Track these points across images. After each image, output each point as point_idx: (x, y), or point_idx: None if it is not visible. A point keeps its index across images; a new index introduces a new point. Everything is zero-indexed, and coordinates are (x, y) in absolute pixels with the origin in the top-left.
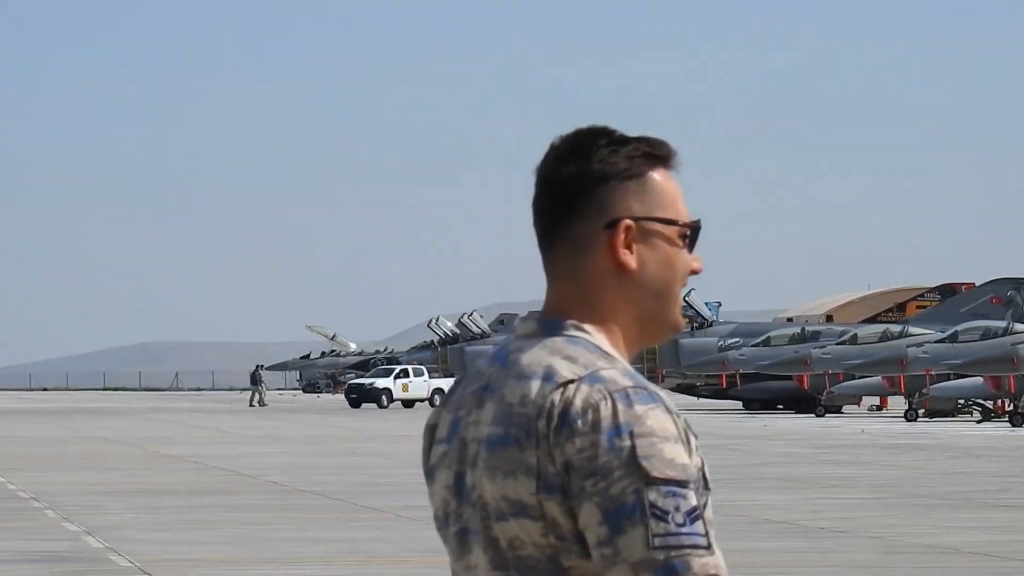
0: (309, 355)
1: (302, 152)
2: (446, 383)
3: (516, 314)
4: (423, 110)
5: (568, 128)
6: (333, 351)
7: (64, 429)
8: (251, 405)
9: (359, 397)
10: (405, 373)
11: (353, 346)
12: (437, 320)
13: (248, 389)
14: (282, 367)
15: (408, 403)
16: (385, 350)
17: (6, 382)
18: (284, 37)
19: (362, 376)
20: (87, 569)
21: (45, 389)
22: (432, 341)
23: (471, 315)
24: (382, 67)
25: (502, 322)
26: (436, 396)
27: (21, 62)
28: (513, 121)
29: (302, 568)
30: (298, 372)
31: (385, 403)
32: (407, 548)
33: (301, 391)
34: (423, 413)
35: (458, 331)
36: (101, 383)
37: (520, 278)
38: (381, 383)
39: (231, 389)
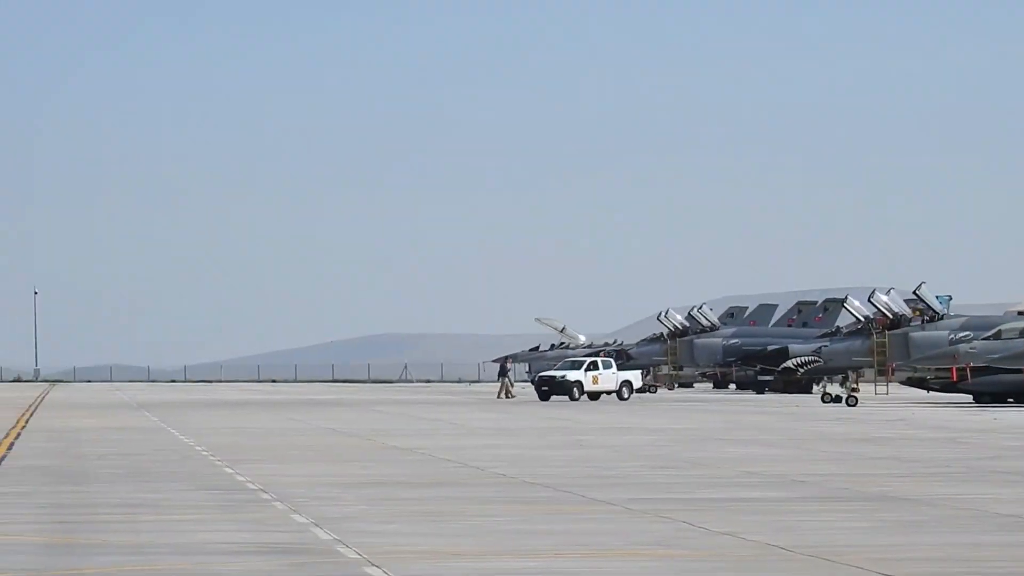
0: (538, 347)
1: (539, 144)
2: (634, 375)
3: (746, 307)
4: (656, 101)
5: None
6: (562, 343)
7: (292, 421)
8: (499, 397)
9: (550, 389)
10: (595, 366)
11: (582, 338)
12: (667, 313)
13: (495, 382)
14: (512, 359)
15: (595, 395)
16: (614, 342)
17: (235, 374)
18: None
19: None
20: (315, 561)
21: (274, 381)
22: (661, 334)
23: (701, 308)
24: (602, 55)
25: (732, 315)
26: (624, 389)
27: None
28: (736, 118)
29: (530, 560)
30: (527, 364)
31: (576, 396)
32: (636, 541)
33: (530, 383)
34: (625, 407)
35: (687, 324)
36: (330, 375)
37: (750, 272)
38: (572, 376)
39: (459, 381)
